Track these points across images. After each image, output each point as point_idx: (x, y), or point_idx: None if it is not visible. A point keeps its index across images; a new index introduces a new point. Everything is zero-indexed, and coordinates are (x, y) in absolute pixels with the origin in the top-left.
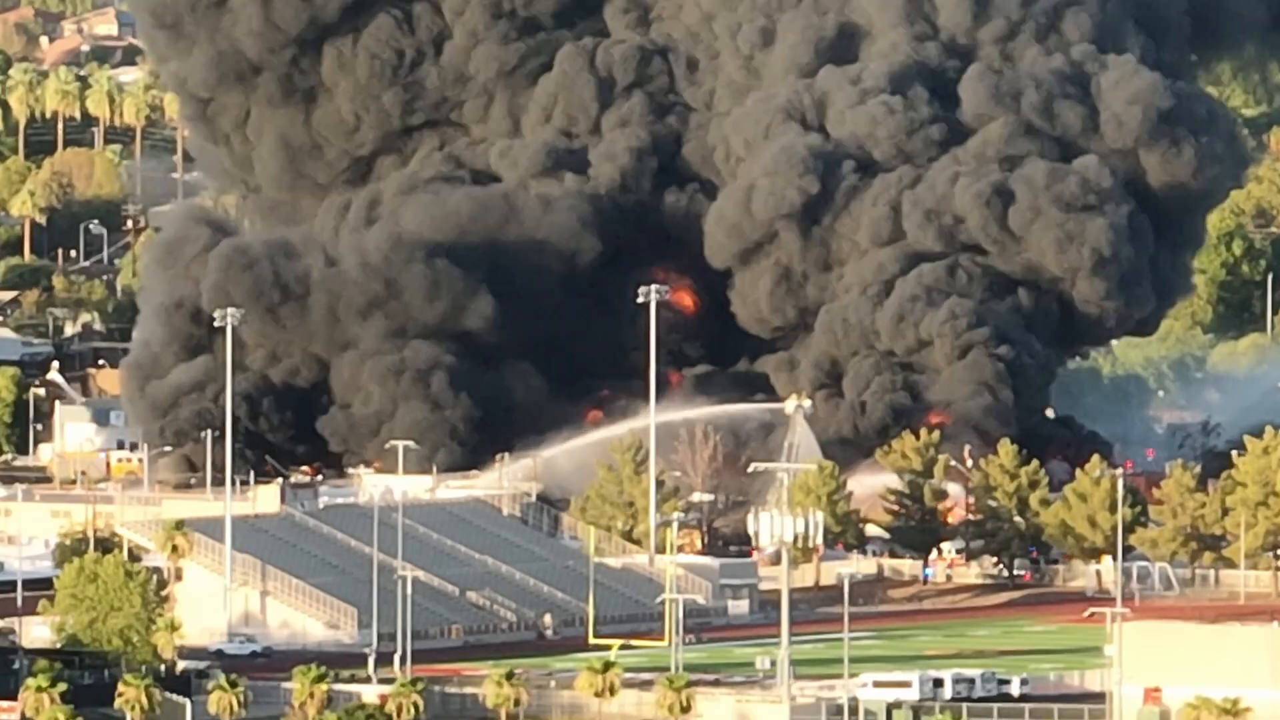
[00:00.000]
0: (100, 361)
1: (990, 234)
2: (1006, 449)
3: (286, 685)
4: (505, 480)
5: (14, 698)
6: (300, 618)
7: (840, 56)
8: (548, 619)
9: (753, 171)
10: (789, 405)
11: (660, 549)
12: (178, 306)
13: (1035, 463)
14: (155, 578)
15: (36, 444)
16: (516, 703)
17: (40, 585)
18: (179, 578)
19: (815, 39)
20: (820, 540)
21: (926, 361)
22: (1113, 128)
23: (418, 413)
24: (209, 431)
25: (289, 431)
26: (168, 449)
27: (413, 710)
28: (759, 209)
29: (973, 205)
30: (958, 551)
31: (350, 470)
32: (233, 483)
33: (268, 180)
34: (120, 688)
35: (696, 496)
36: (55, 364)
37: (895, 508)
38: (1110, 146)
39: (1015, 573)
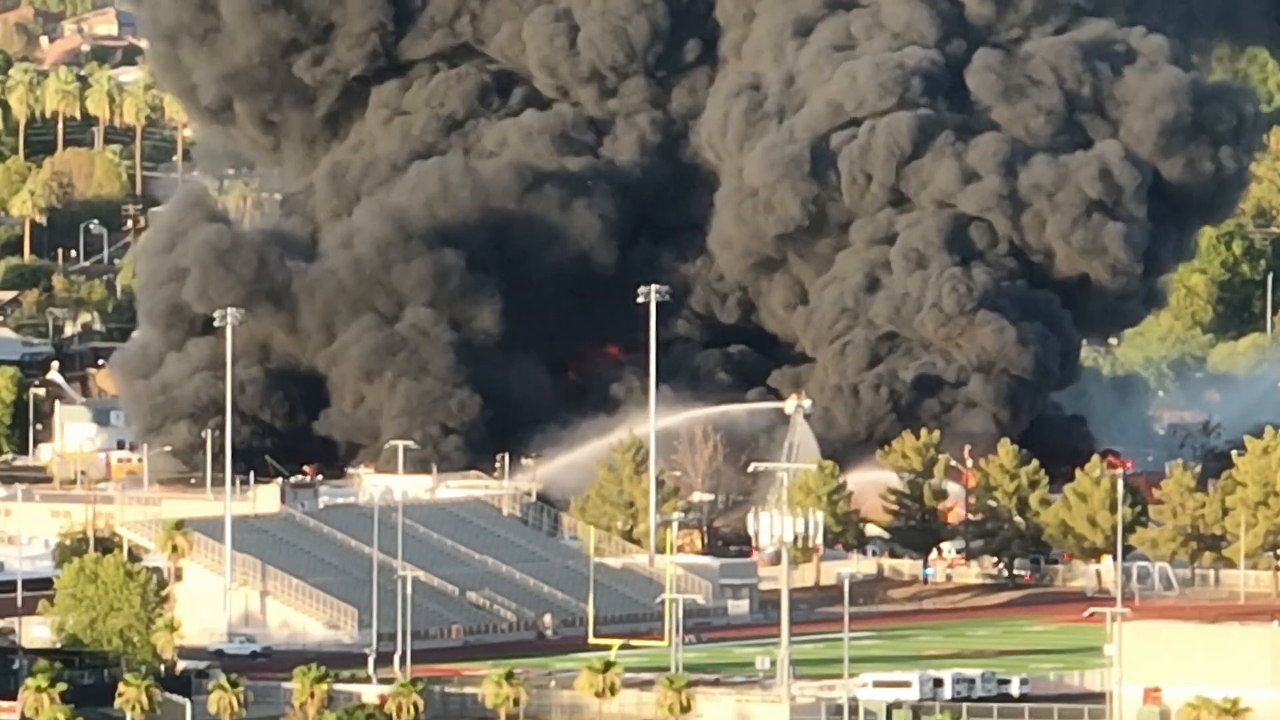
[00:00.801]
0: (100, 361)
1: (1002, 231)
2: (1006, 449)
3: (286, 685)
4: (505, 481)
5: (14, 698)
6: (300, 618)
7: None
8: (548, 619)
9: (747, 179)
10: (789, 405)
11: (660, 549)
12: (174, 311)
13: (1035, 462)
14: (155, 578)
15: (36, 444)
16: (516, 703)
17: (40, 585)
18: (179, 578)
19: (796, 18)
20: (820, 540)
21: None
22: (1132, 136)
23: (416, 393)
24: (209, 430)
25: (294, 419)
26: (167, 448)
27: (413, 710)
28: (760, 229)
29: (980, 206)
30: (958, 551)
31: (350, 470)
32: (233, 482)
33: (293, 175)
34: (120, 688)
35: (696, 496)
36: (55, 364)
37: (895, 508)
38: (1131, 150)
39: (1015, 573)
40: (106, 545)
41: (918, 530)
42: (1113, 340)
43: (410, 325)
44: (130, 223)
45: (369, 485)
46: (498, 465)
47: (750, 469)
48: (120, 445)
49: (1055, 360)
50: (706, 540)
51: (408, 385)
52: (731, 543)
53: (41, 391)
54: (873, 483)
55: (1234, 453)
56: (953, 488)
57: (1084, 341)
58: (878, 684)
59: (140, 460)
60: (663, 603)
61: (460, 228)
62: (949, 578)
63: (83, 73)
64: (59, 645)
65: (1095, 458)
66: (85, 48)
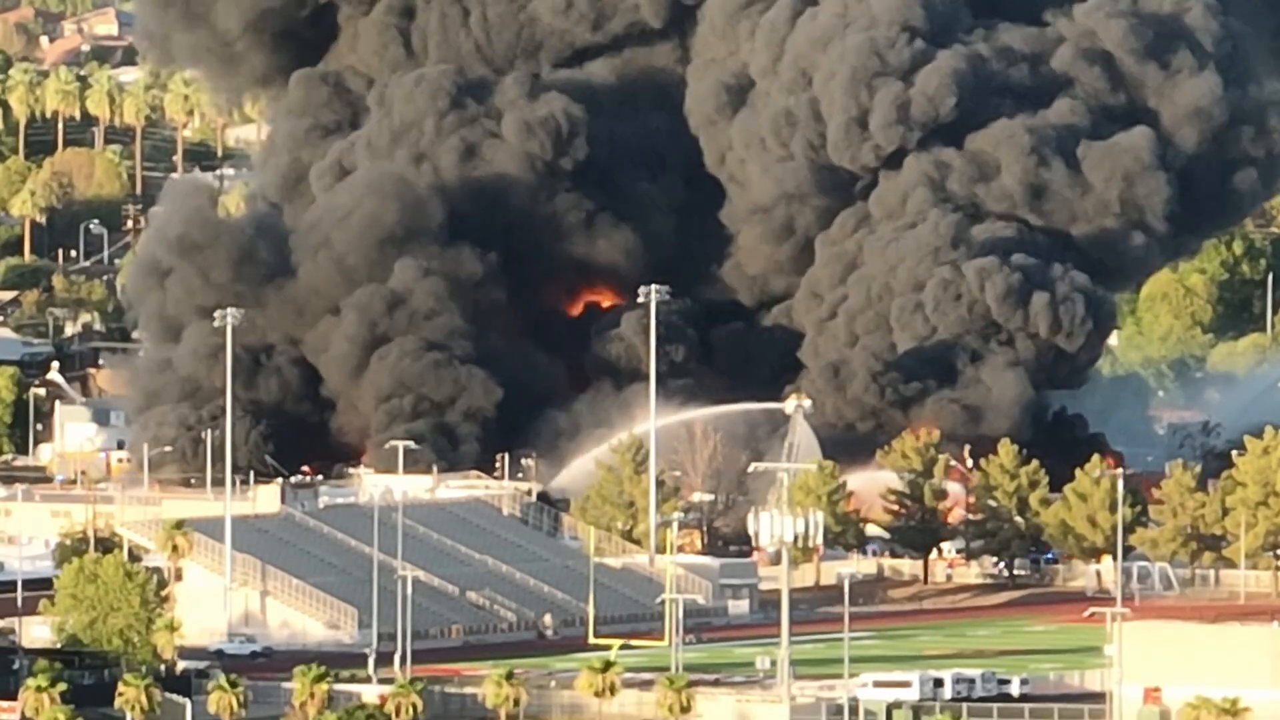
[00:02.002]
0: (100, 361)
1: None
2: (1006, 449)
3: (286, 685)
4: (506, 479)
5: (14, 698)
6: (300, 618)
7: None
8: (548, 619)
9: (758, 196)
10: (789, 405)
11: (660, 549)
12: (165, 325)
13: (1035, 463)
14: (155, 578)
15: (36, 444)
16: (516, 703)
17: (40, 585)
18: (179, 578)
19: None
20: (820, 540)
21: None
22: (1172, 146)
23: (422, 366)
24: (209, 431)
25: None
26: (167, 448)
27: (412, 710)
28: (782, 249)
29: (998, 203)
30: (958, 551)
31: (350, 470)
32: (233, 482)
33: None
34: (120, 688)
35: (696, 496)
36: (55, 364)
37: (895, 507)
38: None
39: (1015, 573)
40: (106, 545)
41: (918, 530)
42: (1111, 340)
43: (405, 285)
44: (130, 223)
45: (369, 485)
46: (498, 465)
47: (750, 469)
48: (120, 445)
49: (1103, 315)
50: (706, 540)
51: (411, 353)
52: (731, 543)
53: (41, 391)
54: (871, 482)
55: (1234, 453)
56: (953, 487)
57: None
58: (878, 684)
59: (127, 460)
60: (663, 603)
61: (465, 225)
62: (949, 578)
63: (83, 73)
64: (59, 645)
65: (1095, 457)
66: (85, 48)
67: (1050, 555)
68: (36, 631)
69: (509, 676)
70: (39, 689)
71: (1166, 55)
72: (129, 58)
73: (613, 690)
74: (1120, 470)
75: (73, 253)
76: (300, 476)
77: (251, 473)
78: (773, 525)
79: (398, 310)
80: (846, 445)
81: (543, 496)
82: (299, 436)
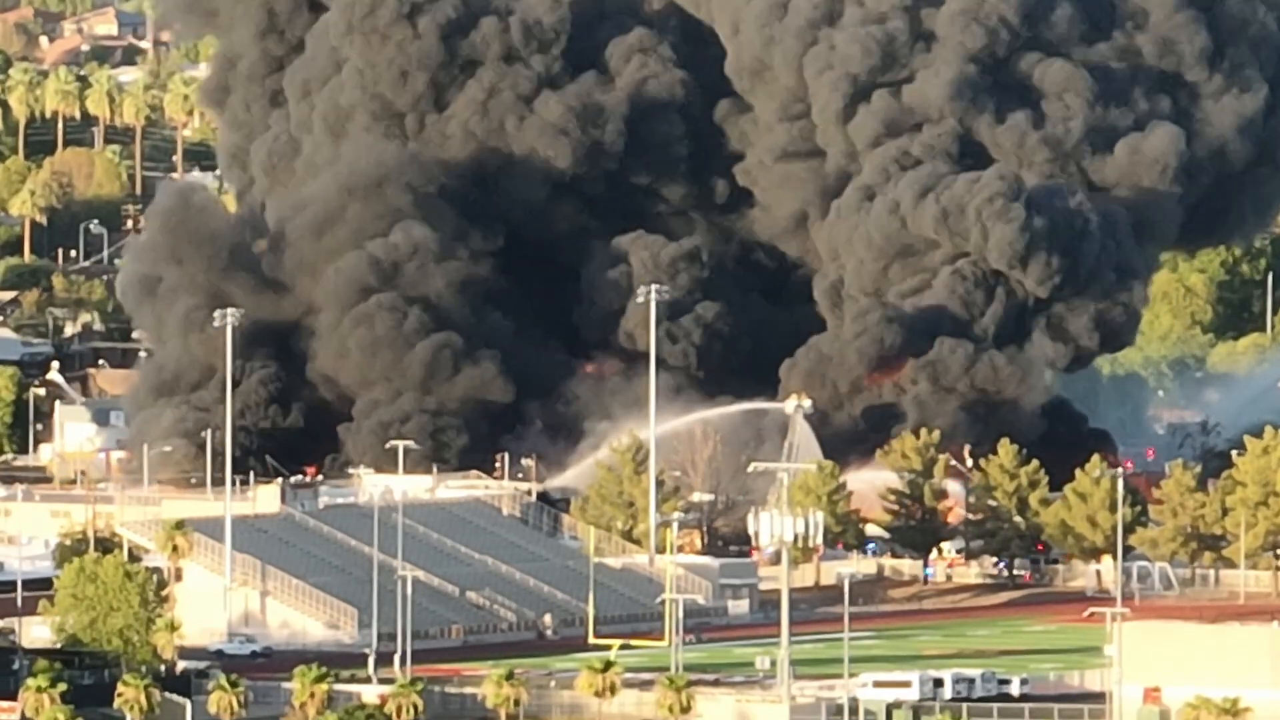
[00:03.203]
0: (100, 361)
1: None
2: (1006, 448)
3: (286, 685)
4: (506, 479)
5: (14, 698)
6: (300, 618)
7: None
8: (548, 619)
9: (782, 215)
10: (789, 405)
11: (660, 549)
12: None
13: (1035, 462)
14: (155, 578)
15: (36, 444)
16: (516, 703)
17: (40, 585)
18: (179, 578)
19: None
20: (820, 540)
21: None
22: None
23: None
24: (209, 430)
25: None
26: (169, 444)
27: (412, 710)
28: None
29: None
30: (958, 551)
31: (350, 470)
32: (233, 482)
33: None
34: (120, 688)
35: (696, 496)
36: (55, 364)
37: (895, 508)
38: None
39: (1015, 573)
40: (106, 545)
41: (918, 530)
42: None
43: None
44: (130, 223)
45: (369, 485)
46: (498, 465)
47: (750, 469)
48: (120, 445)
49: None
50: (706, 540)
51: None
52: (731, 543)
53: (41, 391)
54: (870, 482)
55: (1234, 453)
56: (952, 486)
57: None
58: (878, 684)
59: (124, 459)
60: (663, 603)
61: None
62: (949, 578)
63: (83, 73)
64: (59, 645)
65: (1095, 457)
66: (85, 48)
67: (1051, 556)
68: (36, 631)
69: (509, 676)
70: (39, 689)
71: (1219, 58)
72: (129, 58)
73: (613, 690)
74: (1120, 470)
75: (72, 253)
76: (300, 476)
77: (251, 473)
78: (773, 525)
79: (391, 289)
80: (846, 444)
81: (543, 496)
82: (322, 434)
